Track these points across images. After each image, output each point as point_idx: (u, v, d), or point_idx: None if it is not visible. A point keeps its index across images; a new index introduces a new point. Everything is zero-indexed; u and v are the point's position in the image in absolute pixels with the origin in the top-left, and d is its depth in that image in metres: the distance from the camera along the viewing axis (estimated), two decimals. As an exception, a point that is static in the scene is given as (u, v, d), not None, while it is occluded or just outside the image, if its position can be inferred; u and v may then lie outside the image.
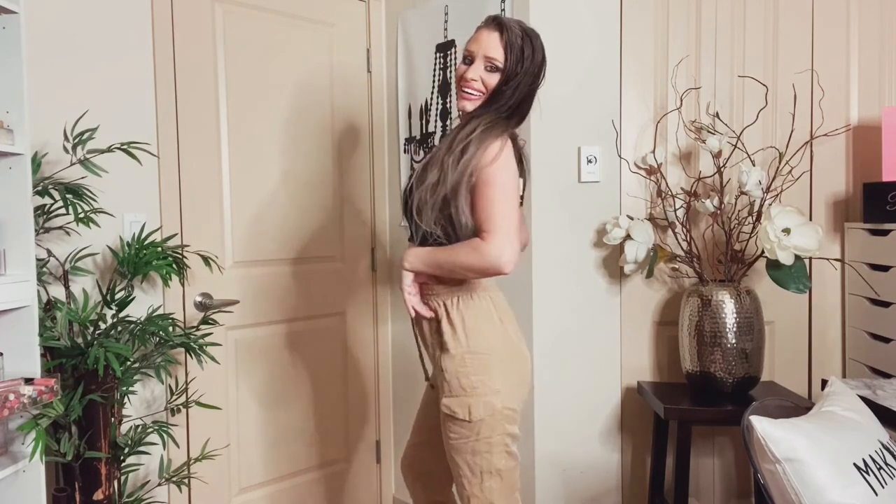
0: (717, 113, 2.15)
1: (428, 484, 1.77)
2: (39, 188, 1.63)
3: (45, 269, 1.76)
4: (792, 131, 2.08)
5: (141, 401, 1.99)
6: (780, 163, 2.05)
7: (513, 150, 1.51)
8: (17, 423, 1.46)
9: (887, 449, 1.32)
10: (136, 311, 1.87)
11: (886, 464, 1.28)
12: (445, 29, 2.40)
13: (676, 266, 2.16)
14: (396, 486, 2.74)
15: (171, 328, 1.81)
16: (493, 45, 1.51)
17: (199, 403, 1.93)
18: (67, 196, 1.62)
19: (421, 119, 2.52)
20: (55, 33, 1.83)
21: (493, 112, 1.52)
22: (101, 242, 1.90)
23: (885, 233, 1.97)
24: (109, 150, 1.66)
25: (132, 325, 1.74)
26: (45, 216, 1.72)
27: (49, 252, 1.77)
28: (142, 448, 1.78)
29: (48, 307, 1.70)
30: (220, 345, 1.92)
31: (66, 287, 1.77)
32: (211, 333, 1.90)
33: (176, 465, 1.98)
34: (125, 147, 1.67)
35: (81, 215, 1.65)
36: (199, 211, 2.14)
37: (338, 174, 2.54)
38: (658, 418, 2.10)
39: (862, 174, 2.15)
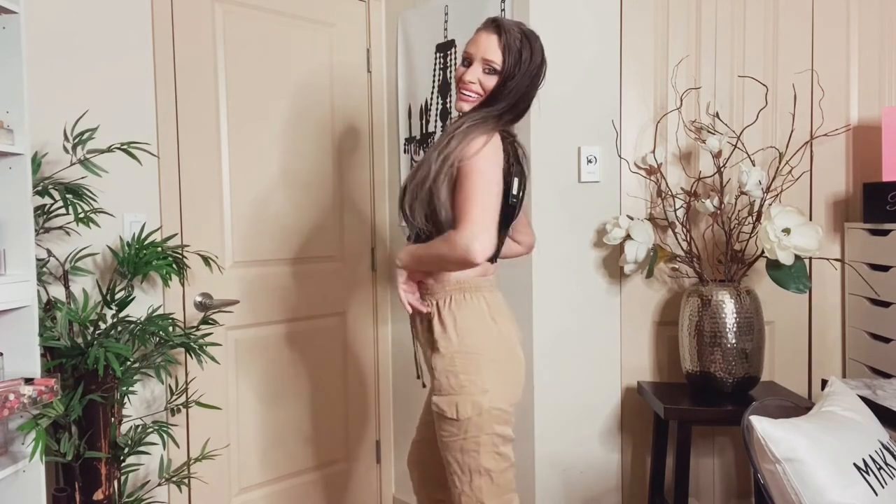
0: (717, 113, 2.15)
1: (431, 481, 1.77)
2: (39, 188, 1.63)
3: (45, 269, 1.76)
4: (792, 131, 2.08)
5: (141, 401, 1.99)
6: (780, 163, 2.05)
7: (504, 147, 1.51)
8: (17, 423, 1.46)
9: (887, 449, 1.32)
10: (136, 311, 1.87)
11: (886, 464, 1.28)
12: (445, 29, 2.40)
13: (676, 266, 2.16)
14: (396, 486, 2.74)
15: (171, 328, 1.81)
16: (491, 48, 1.52)
17: (199, 403, 1.93)
18: (67, 196, 1.62)
19: (421, 119, 2.52)
20: (55, 33, 1.83)
21: (485, 111, 1.53)
22: (101, 242, 1.90)
23: (885, 233, 1.97)
24: (109, 150, 1.66)
25: (132, 325, 1.74)
26: (45, 216, 1.72)
27: (49, 252, 1.77)
28: (142, 448, 1.78)
29: (48, 307, 1.70)
30: (220, 345, 1.92)
31: (66, 287, 1.77)
32: (211, 333, 1.90)
33: (176, 465, 1.98)
34: (125, 147, 1.67)
35: (81, 215, 1.65)
36: (199, 211, 2.14)
37: (338, 174, 2.54)
38: (658, 418, 2.10)
39: (862, 174, 2.15)
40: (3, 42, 1.45)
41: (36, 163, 1.64)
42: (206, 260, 1.90)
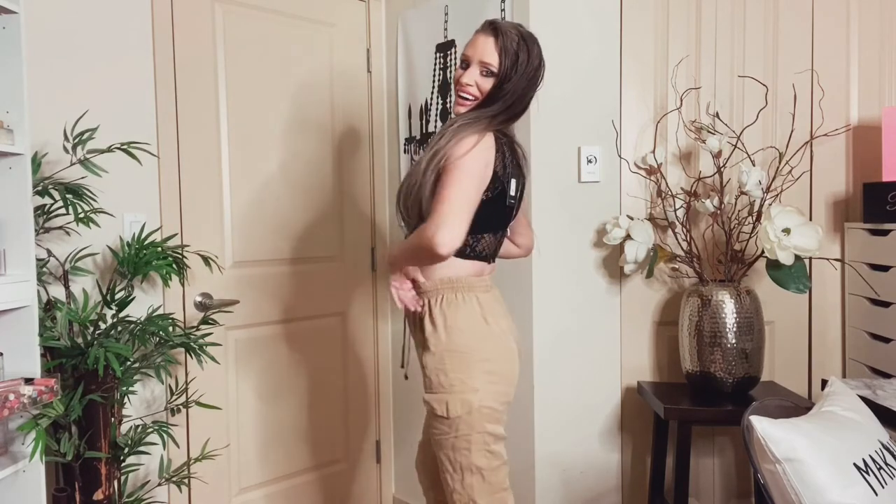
0: (717, 113, 2.15)
1: (436, 482, 1.77)
2: (39, 188, 1.63)
3: (45, 269, 1.76)
4: (792, 131, 2.08)
5: (141, 401, 1.99)
6: (780, 163, 2.05)
7: (497, 147, 1.52)
8: (17, 423, 1.46)
9: (887, 449, 1.32)
10: (136, 311, 1.87)
11: (886, 464, 1.28)
12: (445, 29, 2.40)
13: (676, 266, 2.16)
14: (396, 486, 2.74)
15: (171, 328, 1.80)
16: (488, 51, 1.53)
17: (199, 403, 1.93)
18: (67, 196, 1.62)
19: (421, 119, 2.52)
20: (55, 33, 1.83)
21: (479, 112, 1.54)
22: (101, 242, 1.90)
23: (885, 233, 1.97)
24: (109, 150, 1.66)
25: (132, 325, 1.74)
26: (45, 216, 1.72)
27: (49, 252, 1.77)
28: (142, 448, 1.78)
29: (48, 307, 1.70)
30: (220, 345, 1.92)
31: (66, 287, 1.77)
32: (211, 333, 1.90)
33: (176, 465, 1.98)
34: (125, 147, 1.67)
35: (81, 215, 1.65)
36: (199, 211, 2.14)
37: (338, 174, 2.54)
38: (658, 418, 2.10)
39: (862, 174, 2.15)
40: (3, 42, 1.45)
41: (36, 163, 1.64)
42: (206, 260, 1.90)
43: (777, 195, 2.03)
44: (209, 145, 2.16)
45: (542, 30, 2.11)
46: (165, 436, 1.81)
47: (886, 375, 1.96)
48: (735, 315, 1.93)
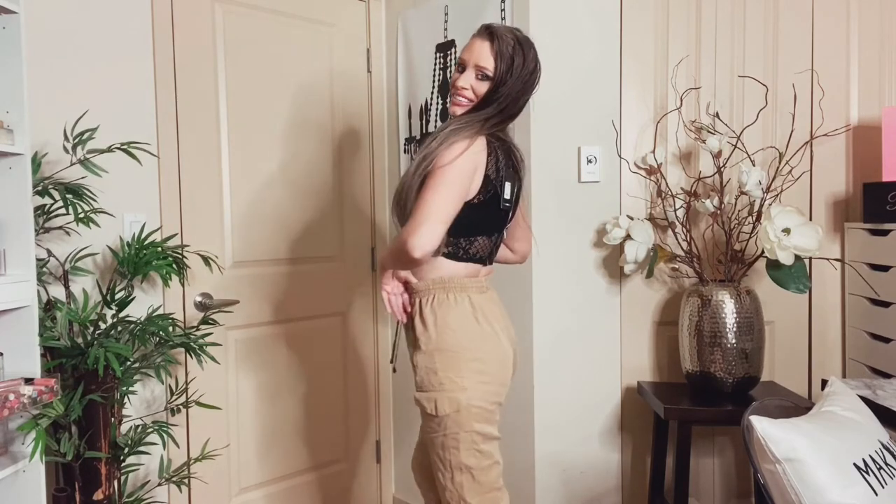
0: (717, 113, 2.15)
1: (431, 483, 1.77)
2: (39, 188, 1.63)
3: (45, 269, 1.76)
4: (792, 131, 2.08)
5: (141, 401, 1.99)
6: (780, 163, 2.05)
7: (489, 151, 1.53)
8: (17, 423, 1.46)
9: (887, 449, 1.32)
10: (136, 311, 1.87)
11: (886, 464, 1.28)
12: (445, 29, 2.40)
13: (676, 266, 2.16)
14: (396, 486, 2.74)
15: (171, 328, 1.80)
16: (483, 55, 1.54)
17: (199, 403, 1.93)
18: (67, 196, 1.62)
19: (421, 119, 2.52)
20: (55, 33, 1.83)
21: (472, 115, 1.56)
22: (101, 242, 1.90)
23: (885, 233, 1.97)
24: (109, 150, 1.66)
25: (132, 325, 1.74)
26: (45, 216, 1.72)
27: (49, 252, 1.77)
28: (142, 448, 1.78)
29: (48, 307, 1.70)
30: (220, 345, 1.92)
31: (66, 287, 1.77)
32: (211, 333, 1.90)
33: (176, 465, 1.98)
34: (125, 147, 1.67)
35: (81, 215, 1.65)
36: (199, 211, 2.14)
37: (338, 174, 2.54)
38: (658, 418, 2.10)
39: (862, 174, 2.15)
40: (3, 42, 1.45)
41: (36, 163, 1.64)
42: (206, 260, 1.90)
43: (777, 195, 2.03)
44: (209, 145, 2.16)
45: (542, 30, 2.12)
46: (165, 436, 1.81)
47: (886, 375, 1.96)
48: (735, 315, 1.93)
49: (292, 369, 2.42)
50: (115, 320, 1.76)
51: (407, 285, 1.62)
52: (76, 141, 1.64)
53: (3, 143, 1.41)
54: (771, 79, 2.15)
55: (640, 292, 2.20)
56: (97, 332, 1.72)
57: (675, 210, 2.07)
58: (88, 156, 1.64)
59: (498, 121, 1.57)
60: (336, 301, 2.55)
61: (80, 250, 1.81)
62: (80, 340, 1.66)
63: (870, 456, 1.26)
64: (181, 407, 1.96)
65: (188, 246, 2.01)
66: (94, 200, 1.71)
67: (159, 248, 1.78)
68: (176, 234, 2.02)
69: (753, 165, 2.03)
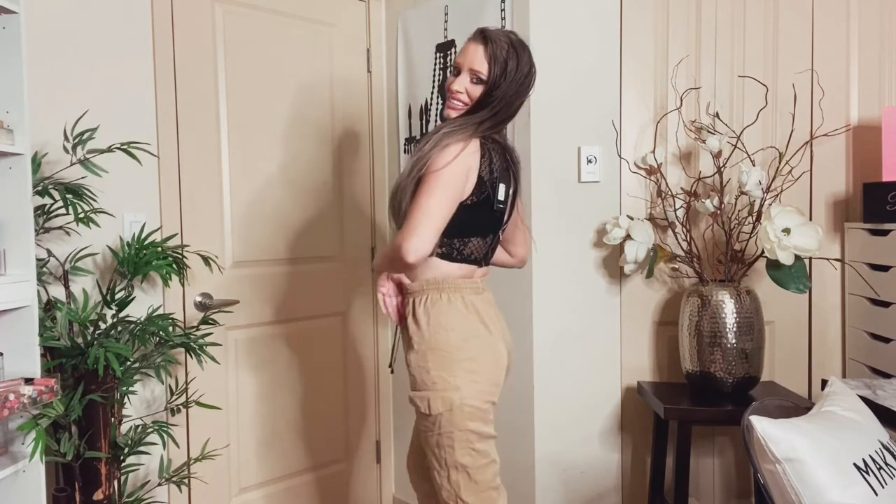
0: (717, 113, 2.15)
1: (426, 483, 1.77)
2: (39, 188, 1.63)
3: (45, 269, 1.76)
4: (792, 131, 2.08)
5: (141, 401, 1.99)
6: (780, 163, 2.05)
7: (483, 153, 1.54)
8: (17, 423, 1.46)
9: (887, 449, 1.32)
10: (136, 311, 1.87)
11: (886, 464, 1.28)
12: (445, 29, 2.40)
13: (676, 266, 2.16)
14: (396, 486, 2.74)
15: (171, 328, 1.80)
16: (477, 59, 1.56)
17: (199, 403, 1.93)
18: (67, 196, 1.61)
19: (421, 119, 2.52)
20: (55, 33, 1.83)
21: (466, 118, 1.57)
22: (101, 242, 1.90)
23: (885, 233, 1.97)
24: (109, 150, 1.66)
25: (132, 325, 1.74)
26: (45, 216, 1.72)
27: (49, 252, 1.77)
28: (142, 448, 1.78)
29: (48, 307, 1.70)
30: (220, 345, 1.92)
31: (66, 287, 1.76)
32: (211, 333, 1.90)
33: (176, 465, 1.98)
34: (125, 147, 1.67)
35: (81, 215, 1.65)
36: (199, 211, 2.14)
37: (338, 174, 2.54)
38: (658, 418, 2.10)
39: (862, 174, 2.15)
40: (3, 42, 1.45)
41: (36, 163, 1.64)
42: (206, 260, 1.90)
43: (777, 195, 2.03)
44: (209, 145, 2.16)
45: (542, 30, 2.12)
46: (165, 436, 1.81)
47: (886, 375, 1.96)
48: (735, 315, 1.93)
49: (292, 369, 2.42)
50: (115, 320, 1.76)
51: (401, 286, 1.64)
52: (76, 141, 1.64)
53: (3, 143, 1.41)
54: (771, 79, 2.15)
55: (640, 292, 2.20)
56: (97, 332, 1.72)
57: (675, 210, 2.07)
58: (88, 156, 1.64)
59: (492, 123, 1.58)
60: (336, 301, 2.55)
61: (80, 250, 1.81)
62: (80, 340, 1.66)
63: (870, 456, 1.26)
64: (181, 407, 1.96)
65: (188, 246, 2.01)
66: (94, 200, 1.71)
67: (159, 248, 1.78)
68: (176, 234, 2.02)
69: (753, 165, 2.03)
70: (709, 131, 2.07)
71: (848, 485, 1.20)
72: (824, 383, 1.57)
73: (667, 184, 2.10)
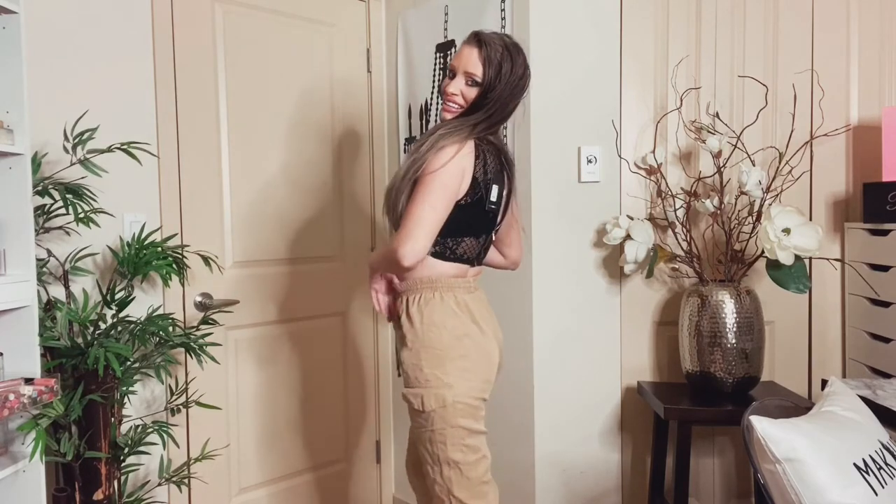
0: (717, 113, 2.15)
1: (425, 481, 1.78)
2: (39, 188, 1.63)
3: (45, 269, 1.76)
4: (792, 131, 2.08)
5: (141, 401, 1.99)
6: (780, 163, 2.05)
7: (477, 154, 1.57)
8: (17, 423, 1.46)
9: (887, 449, 1.32)
10: (136, 311, 1.87)
11: (886, 464, 1.28)
12: (445, 29, 2.40)
13: (676, 266, 2.16)
14: (396, 485, 2.74)
15: (171, 328, 1.80)
16: (472, 61, 1.58)
17: (199, 403, 1.93)
18: (67, 196, 1.61)
19: (421, 119, 2.52)
20: (55, 33, 1.83)
21: (462, 119, 1.59)
22: (101, 242, 1.90)
23: (885, 233, 1.97)
24: (109, 150, 1.66)
25: (132, 325, 1.74)
26: (45, 216, 1.72)
27: (49, 252, 1.77)
28: (142, 448, 1.78)
29: (48, 307, 1.70)
30: (220, 345, 1.92)
31: (66, 287, 1.76)
32: (211, 333, 1.90)
33: (176, 465, 1.98)
34: (125, 147, 1.67)
35: (81, 215, 1.65)
36: (199, 211, 2.14)
37: (338, 174, 2.54)
38: (658, 418, 2.10)
39: (862, 174, 2.15)
40: (3, 42, 1.45)
41: (36, 163, 1.64)
42: (206, 260, 1.90)
43: (777, 195, 2.03)
44: (209, 145, 2.16)
45: (542, 30, 2.12)
46: (165, 436, 1.81)
47: (886, 375, 1.96)
48: (735, 315, 1.93)
49: (292, 369, 2.42)
50: (115, 320, 1.76)
51: (391, 285, 1.68)
52: (76, 141, 1.64)
53: (3, 143, 1.41)
54: (771, 79, 2.15)
55: (640, 292, 2.20)
56: (97, 332, 1.72)
57: (675, 210, 2.07)
58: (88, 156, 1.64)
59: (487, 125, 1.60)
60: (336, 301, 2.55)
61: (80, 250, 1.81)
62: (80, 340, 1.66)
63: (870, 456, 1.26)
64: (181, 407, 1.96)
65: (188, 246, 2.01)
66: (94, 200, 1.71)
67: (159, 248, 1.78)
68: (176, 234, 2.02)
69: (753, 165, 2.03)
70: (709, 131, 2.07)
71: (848, 485, 1.20)
72: (824, 383, 1.57)
73: (667, 184, 2.10)
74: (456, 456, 1.55)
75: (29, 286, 1.47)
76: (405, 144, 2.60)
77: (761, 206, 1.98)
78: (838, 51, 2.16)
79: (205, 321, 1.91)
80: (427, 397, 1.54)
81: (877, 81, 2.17)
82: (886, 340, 1.97)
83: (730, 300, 1.94)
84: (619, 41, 2.16)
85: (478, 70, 1.57)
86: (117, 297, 1.76)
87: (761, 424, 1.26)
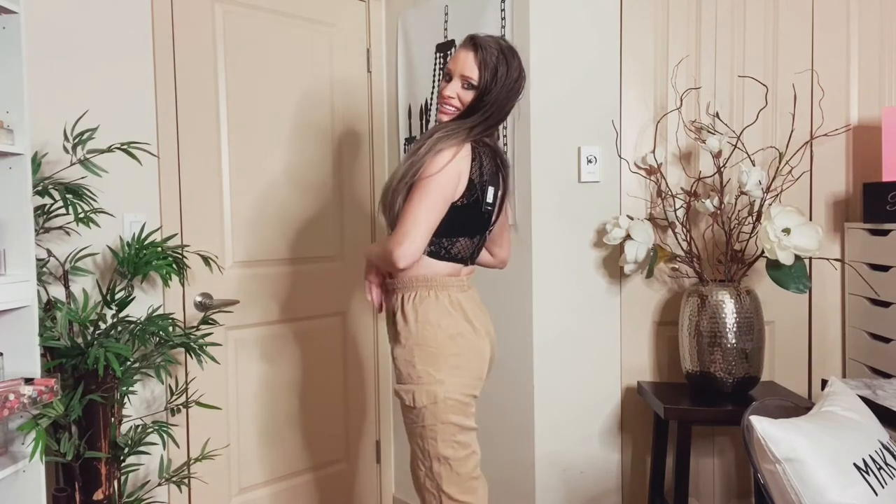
0: (717, 113, 2.15)
1: None
2: (39, 188, 1.63)
3: (45, 269, 1.76)
4: (792, 131, 2.08)
5: (141, 401, 1.99)
6: (780, 163, 2.05)
7: (473, 156, 1.59)
8: (17, 423, 1.46)
9: (887, 449, 1.32)
10: (136, 311, 1.87)
11: (886, 464, 1.28)
12: (445, 29, 2.40)
13: (676, 266, 2.16)
14: (396, 485, 2.74)
15: (171, 328, 1.80)
16: (468, 65, 1.60)
17: (199, 403, 1.93)
18: (67, 196, 1.61)
19: (421, 119, 2.52)
20: (55, 33, 1.83)
21: (459, 122, 1.61)
22: (101, 242, 1.90)
23: (885, 233, 1.97)
24: (109, 150, 1.66)
25: (132, 325, 1.74)
26: (45, 216, 1.72)
27: (49, 252, 1.77)
28: (142, 448, 1.78)
29: (48, 307, 1.70)
30: (220, 345, 1.92)
31: (66, 287, 1.76)
32: (211, 333, 1.90)
33: (176, 465, 1.98)
34: (125, 147, 1.67)
35: (81, 215, 1.65)
36: (199, 211, 2.14)
37: (338, 174, 2.54)
38: (658, 418, 2.10)
39: (862, 174, 2.15)
40: (3, 42, 1.45)
41: (36, 163, 1.64)
42: (206, 260, 1.90)
43: (777, 195, 2.03)
44: (209, 145, 2.16)
45: (542, 30, 2.12)
46: (165, 436, 1.81)
47: (886, 375, 1.96)
48: (735, 315, 1.93)
49: (292, 369, 2.42)
50: (115, 320, 1.76)
51: (389, 278, 1.70)
52: (76, 141, 1.64)
53: (3, 143, 1.41)
54: (771, 79, 2.15)
55: (640, 292, 2.20)
56: (97, 332, 1.72)
57: (675, 210, 2.07)
58: (88, 156, 1.64)
59: (484, 128, 1.62)
60: (336, 301, 2.55)
61: (80, 250, 1.81)
62: (80, 340, 1.66)
63: (870, 456, 1.26)
64: (181, 407, 1.96)
65: (188, 246, 2.01)
66: (94, 200, 1.71)
67: (159, 248, 1.78)
68: (176, 234, 2.02)
69: (753, 165, 2.03)
70: (709, 131, 2.07)
71: (848, 485, 1.20)
72: (824, 383, 1.57)
73: (667, 184, 2.10)
74: (446, 452, 1.57)
75: (29, 286, 1.47)
76: (405, 144, 2.60)
77: (761, 206, 1.98)
78: (838, 51, 2.16)
79: (205, 321, 1.91)
80: (418, 394, 1.56)
81: (877, 81, 2.17)
82: (886, 340, 1.97)
83: (730, 300, 1.94)
84: (619, 41, 2.16)
85: (474, 73, 1.59)
86: (117, 297, 1.76)
87: (761, 424, 1.26)
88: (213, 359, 1.85)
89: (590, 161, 2.15)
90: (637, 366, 2.21)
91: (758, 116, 2.08)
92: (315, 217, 2.47)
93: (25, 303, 1.47)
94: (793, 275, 1.88)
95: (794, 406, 1.57)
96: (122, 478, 1.77)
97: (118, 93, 1.95)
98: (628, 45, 2.16)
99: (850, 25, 2.16)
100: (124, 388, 1.75)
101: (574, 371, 2.18)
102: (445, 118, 1.64)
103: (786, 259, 1.83)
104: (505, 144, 2.20)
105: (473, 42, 1.62)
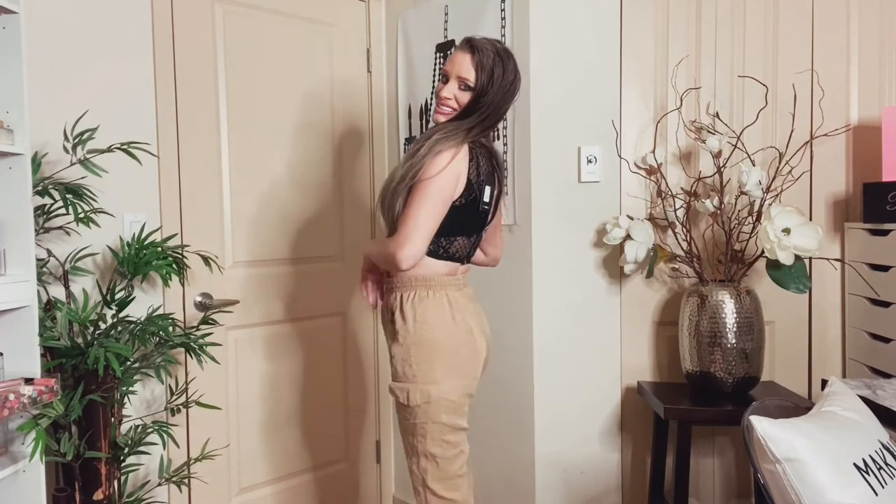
0: (717, 113, 2.15)
1: None
2: (39, 188, 1.63)
3: (45, 269, 1.76)
4: (792, 131, 2.08)
5: (141, 401, 1.99)
6: (780, 163, 2.05)
7: (471, 157, 1.60)
8: (17, 423, 1.46)
9: (887, 449, 1.32)
10: (136, 311, 1.87)
11: (886, 464, 1.28)
12: (445, 29, 2.40)
13: (676, 266, 2.16)
14: (396, 485, 2.74)
15: (171, 328, 1.80)
16: (465, 67, 1.62)
17: (199, 403, 1.93)
18: (67, 196, 1.61)
19: (421, 119, 2.52)
20: (55, 33, 1.83)
21: (457, 123, 1.63)
22: (101, 242, 1.90)
23: (885, 233, 1.97)
24: (109, 150, 1.66)
25: (132, 325, 1.74)
26: (45, 216, 1.72)
27: (49, 252, 1.77)
28: (142, 448, 1.78)
29: (48, 307, 1.70)
30: (220, 345, 1.92)
31: (66, 287, 1.76)
32: (211, 333, 1.90)
33: (176, 465, 1.98)
34: (125, 147, 1.67)
35: (81, 215, 1.65)
36: (199, 211, 2.14)
37: (338, 174, 2.54)
38: (658, 418, 2.10)
39: (862, 174, 2.15)
40: (3, 42, 1.45)
41: (36, 163, 1.64)
42: (206, 260, 1.90)
43: (777, 195, 2.03)
44: (209, 145, 2.16)
45: (542, 30, 2.12)
46: (165, 436, 1.81)
47: (886, 375, 1.96)
48: (735, 315, 1.93)
49: (292, 369, 2.42)
50: (115, 320, 1.76)
51: (387, 277, 1.71)
52: (76, 141, 1.64)
53: (3, 143, 1.41)
54: (771, 79, 2.15)
55: (640, 292, 2.20)
56: (97, 332, 1.72)
57: (675, 210, 2.07)
58: (88, 156, 1.64)
59: (481, 129, 1.64)
60: (336, 301, 2.55)
61: (80, 250, 1.81)
62: (80, 340, 1.66)
63: (870, 456, 1.26)
64: (181, 407, 1.96)
65: (188, 246, 2.01)
66: (94, 200, 1.71)
67: (159, 248, 1.77)
68: (176, 234, 2.02)
69: (753, 165, 2.03)
70: (709, 131, 2.07)
71: (848, 485, 1.20)
72: (824, 383, 1.57)
73: (667, 184, 2.10)
74: (434, 450, 1.60)
75: (29, 286, 1.47)
76: (405, 144, 2.60)
77: (761, 206, 1.98)
78: (838, 51, 2.16)
79: (205, 321, 1.91)
80: (413, 392, 1.58)
81: (877, 81, 2.17)
82: (886, 340, 1.97)
83: (730, 300, 1.94)
84: (619, 41, 2.16)
85: (470, 75, 1.61)
86: (117, 297, 1.76)
87: (761, 424, 1.26)
88: (212, 359, 1.85)
89: (590, 161, 2.15)
90: (637, 366, 2.21)
91: (758, 116, 2.08)
92: (315, 217, 2.47)
93: (25, 303, 1.47)
94: (793, 275, 1.88)
95: (794, 406, 1.57)
96: (122, 478, 1.77)
97: (118, 93, 1.95)
98: (628, 45, 2.16)
99: (850, 25, 2.16)
100: (124, 388, 1.75)
101: (574, 371, 2.18)
102: (442, 118, 1.66)
103: (786, 259, 1.83)
104: (505, 145, 2.21)
105: (470, 44, 1.64)
